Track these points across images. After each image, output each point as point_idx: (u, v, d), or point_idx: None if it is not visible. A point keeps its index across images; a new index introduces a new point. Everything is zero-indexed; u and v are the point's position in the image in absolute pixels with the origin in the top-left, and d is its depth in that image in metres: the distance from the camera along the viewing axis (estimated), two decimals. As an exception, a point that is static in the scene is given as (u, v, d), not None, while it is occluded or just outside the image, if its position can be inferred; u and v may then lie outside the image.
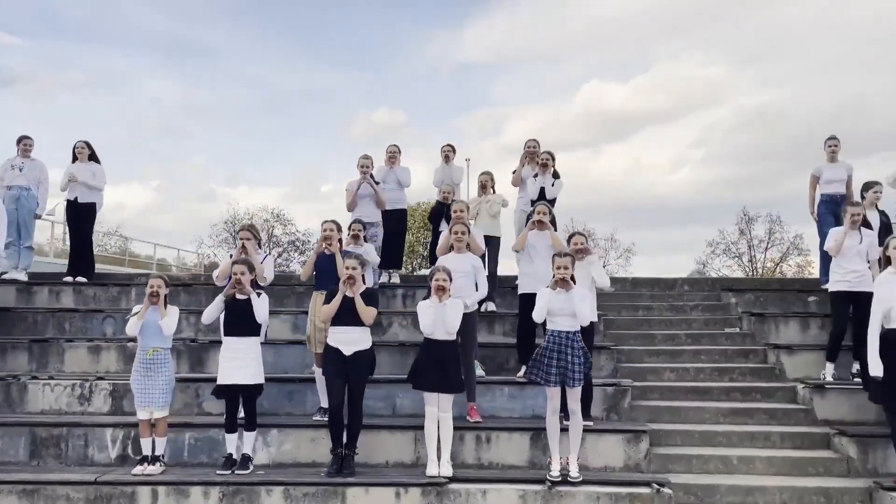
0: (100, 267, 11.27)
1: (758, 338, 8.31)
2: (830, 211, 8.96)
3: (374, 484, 5.57)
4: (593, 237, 43.53)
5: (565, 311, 5.75)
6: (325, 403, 6.30)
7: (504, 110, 72.67)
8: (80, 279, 9.14)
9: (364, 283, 6.09)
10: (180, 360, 7.46)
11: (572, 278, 5.89)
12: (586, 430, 6.28)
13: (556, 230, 6.98)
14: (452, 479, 5.65)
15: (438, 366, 5.74)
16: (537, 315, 5.85)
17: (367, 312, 5.72)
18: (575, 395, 5.74)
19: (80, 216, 9.29)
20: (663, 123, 65.42)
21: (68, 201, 9.31)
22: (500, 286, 8.77)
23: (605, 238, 47.09)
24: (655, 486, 5.58)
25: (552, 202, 8.21)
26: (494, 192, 8.79)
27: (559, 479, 5.62)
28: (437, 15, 75.52)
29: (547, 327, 5.87)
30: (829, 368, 7.13)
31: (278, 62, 71.94)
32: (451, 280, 5.91)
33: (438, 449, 5.78)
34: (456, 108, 77.61)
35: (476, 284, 6.52)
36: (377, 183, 8.86)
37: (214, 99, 70.02)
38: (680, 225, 60.25)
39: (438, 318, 5.80)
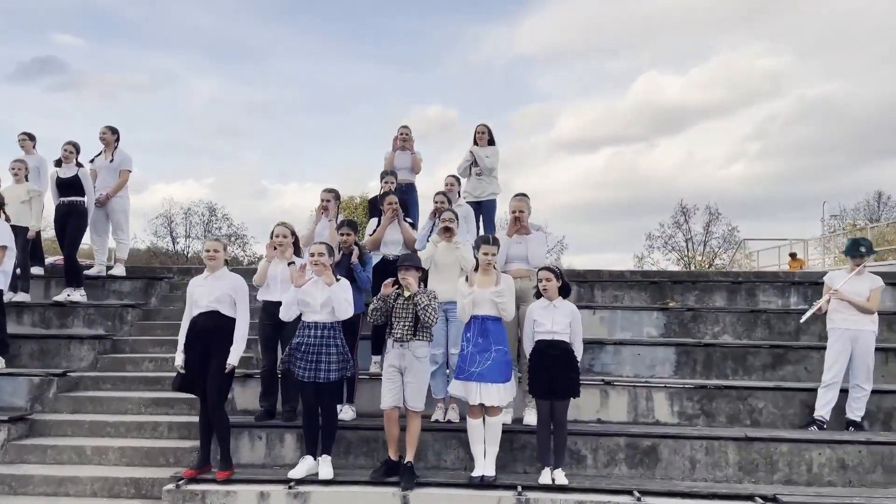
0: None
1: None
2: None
3: None
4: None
5: None
6: None
7: (556, 104, 72.53)
8: None
9: None
10: None
11: None
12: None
13: None
14: None
15: None
16: None
17: None
18: None
19: None
20: (720, 116, 64.84)
21: None
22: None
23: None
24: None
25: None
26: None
27: None
28: (493, 9, 75.32)
29: None
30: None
31: (330, 60, 72.83)
32: None
33: None
34: (509, 102, 77.02)
35: None
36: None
37: (268, 98, 71.10)
38: (731, 220, 59.70)
39: None
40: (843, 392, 6.31)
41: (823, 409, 6.20)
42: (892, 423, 6.38)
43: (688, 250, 47.95)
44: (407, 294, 5.52)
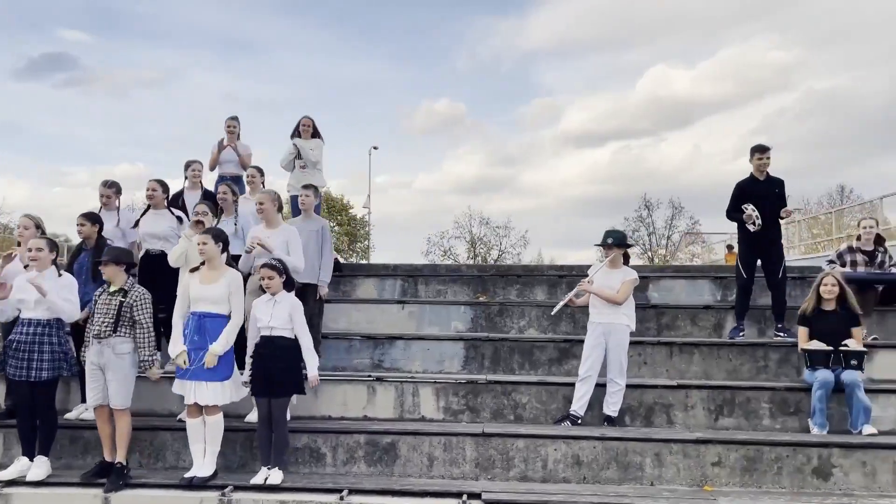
0: None
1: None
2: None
3: None
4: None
5: None
6: None
7: (564, 98, 71.93)
8: None
9: None
10: None
11: None
12: None
13: None
14: None
15: None
16: None
17: None
18: None
19: None
20: (729, 110, 64.37)
21: None
22: None
23: (499, 226, 47.90)
24: None
25: None
26: None
27: None
28: (501, 2, 75.34)
29: None
30: None
31: (337, 55, 72.40)
32: None
33: None
34: (517, 95, 76.45)
35: None
36: None
37: (276, 94, 71.43)
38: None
39: None
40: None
41: (578, 404, 6.09)
42: (654, 417, 6.26)
43: (650, 245, 48.14)
44: (113, 289, 5.37)
